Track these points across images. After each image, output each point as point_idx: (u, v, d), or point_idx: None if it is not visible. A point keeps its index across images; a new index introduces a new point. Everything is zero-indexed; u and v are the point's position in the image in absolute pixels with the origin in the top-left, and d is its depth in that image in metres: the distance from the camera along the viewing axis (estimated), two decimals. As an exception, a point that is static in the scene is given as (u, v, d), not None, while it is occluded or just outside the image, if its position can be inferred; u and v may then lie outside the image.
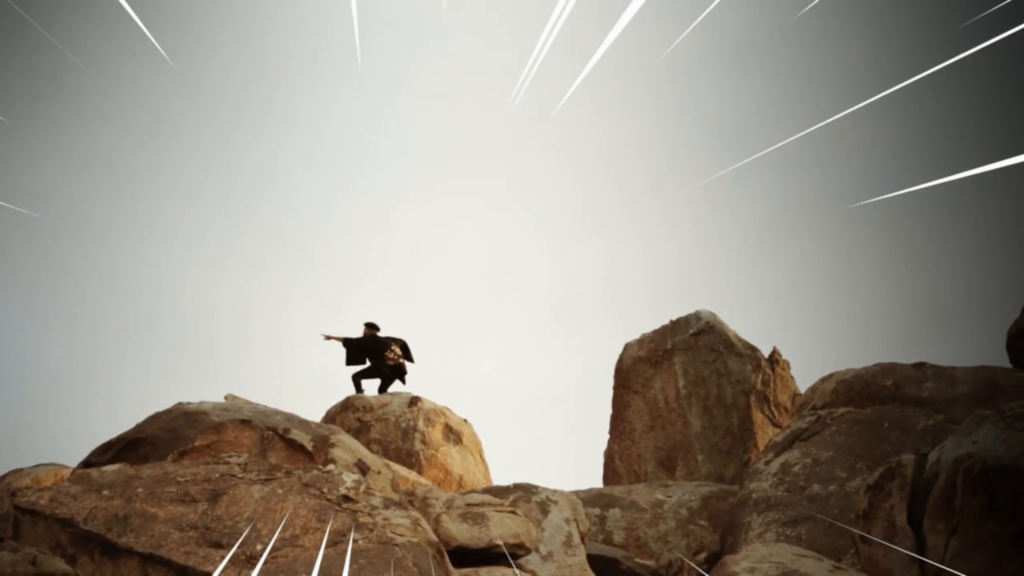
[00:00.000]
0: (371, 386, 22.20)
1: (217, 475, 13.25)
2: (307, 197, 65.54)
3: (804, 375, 22.97)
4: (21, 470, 14.36)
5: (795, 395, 21.22)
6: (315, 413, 20.88)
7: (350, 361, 22.24)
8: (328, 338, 22.47)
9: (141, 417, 16.34)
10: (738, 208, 63.08)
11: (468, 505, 14.41)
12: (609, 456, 22.24)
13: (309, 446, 15.94)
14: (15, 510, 12.62)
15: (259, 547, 11.91)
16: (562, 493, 16.83)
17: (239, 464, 13.66)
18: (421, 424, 20.17)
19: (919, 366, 18.06)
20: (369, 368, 22.08)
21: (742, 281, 57.56)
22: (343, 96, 65.86)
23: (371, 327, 22.49)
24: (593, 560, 16.28)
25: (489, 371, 54.87)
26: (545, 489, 16.80)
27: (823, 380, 19.28)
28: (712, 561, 15.73)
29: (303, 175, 65.91)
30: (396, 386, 22.10)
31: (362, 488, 13.28)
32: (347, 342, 22.31)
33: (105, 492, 12.71)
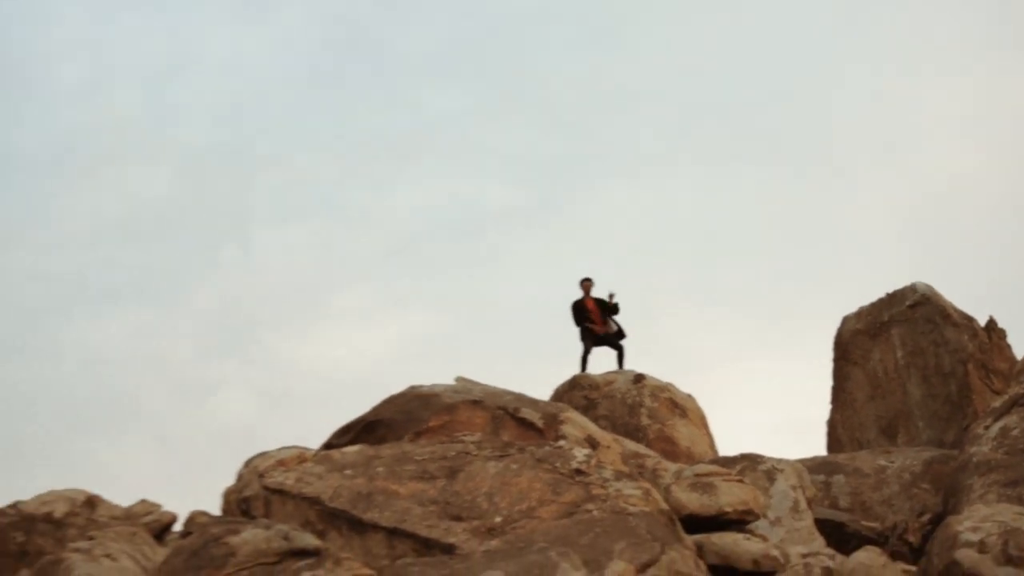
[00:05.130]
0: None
1: (453, 453, 13.23)
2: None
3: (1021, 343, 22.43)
4: (266, 453, 14.62)
5: (1013, 362, 20.83)
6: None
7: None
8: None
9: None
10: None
11: (696, 475, 14.14)
12: (832, 425, 22.00)
13: (539, 423, 15.72)
14: (264, 490, 12.86)
15: (498, 519, 11.90)
16: (787, 462, 16.63)
17: (473, 442, 13.60)
18: (647, 400, 20.02)
19: None
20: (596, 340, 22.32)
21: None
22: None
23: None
24: (820, 524, 16.11)
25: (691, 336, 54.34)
26: (771, 458, 16.58)
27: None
28: (935, 522, 15.43)
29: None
30: (609, 361, 22.28)
31: (593, 462, 13.13)
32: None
33: (348, 472, 12.83)
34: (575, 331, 22.41)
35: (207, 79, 70.26)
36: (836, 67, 65.63)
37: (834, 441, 21.73)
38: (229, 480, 14.69)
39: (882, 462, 18.73)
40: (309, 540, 10.73)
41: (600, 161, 66.57)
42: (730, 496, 13.75)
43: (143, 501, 16.54)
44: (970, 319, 20.87)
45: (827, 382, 22.26)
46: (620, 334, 22.27)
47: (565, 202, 64.32)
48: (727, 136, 65.97)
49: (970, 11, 64.79)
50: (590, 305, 22.27)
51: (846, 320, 22.09)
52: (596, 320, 22.21)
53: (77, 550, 12.46)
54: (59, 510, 15.99)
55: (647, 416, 19.81)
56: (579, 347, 22.28)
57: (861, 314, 21.82)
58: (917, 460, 18.58)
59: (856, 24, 66.63)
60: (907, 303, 21.02)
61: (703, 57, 69.30)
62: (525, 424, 15.77)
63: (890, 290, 21.67)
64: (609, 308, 22.39)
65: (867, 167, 62.66)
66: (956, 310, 20.86)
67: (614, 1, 69.72)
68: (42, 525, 15.77)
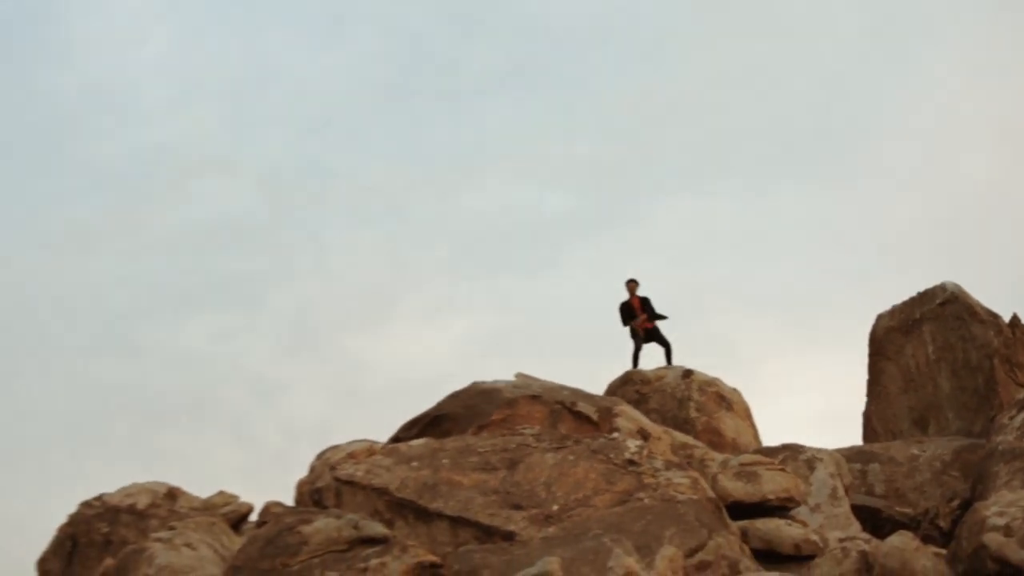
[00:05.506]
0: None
1: (514, 445, 13.30)
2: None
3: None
4: (337, 446, 14.66)
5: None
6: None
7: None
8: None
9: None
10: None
11: (741, 465, 14.26)
12: (867, 417, 21.74)
13: (594, 417, 15.78)
14: (336, 481, 12.95)
15: (555, 507, 11.97)
16: (826, 451, 16.63)
17: (533, 435, 13.65)
18: (695, 394, 19.92)
19: None
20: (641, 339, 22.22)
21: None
22: None
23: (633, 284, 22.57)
24: (857, 510, 16.08)
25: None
26: (810, 448, 16.57)
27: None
28: (964, 508, 15.38)
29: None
30: (655, 357, 22.12)
31: (645, 452, 13.16)
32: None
33: (414, 463, 12.90)
34: (625, 330, 22.33)
35: (285, 97, 70.70)
36: (870, 82, 65.20)
37: (870, 431, 21.58)
38: (302, 472, 14.75)
39: (914, 451, 18.62)
40: (377, 529, 10.80)
41: (652, 171, 66.68)
42: (773, 484, 13.86)
43: (221, 493, 16.70)
44: (995, 316, 20.71)
45: (863, 376, 22.12)
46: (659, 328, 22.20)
47: (619, 210, 64.26)
48: (770, 147, 65.84)
49: (998, 23, 64.18)
50: (636, 304, 22.27)
51: (880, 318, 21.93)
52: (640, 317, 22.15)
53: (158, 540, 12.62)
54: (142, 502, 16.24)
55: (695, 409, 19.70)
56: (630, 345, 22.20)
57: (894, 312, 21.68)
58: (947, 449, 18.45)
59: (890, 41, 66.28)
60: (937, 301, 20.86)
61: (747, 74, 69.19)
62: (581, 417, 15.81)
63: (921, 289, 21.51)
64: (651, 309, 22.32)
65: (899, 176, 62.26)
66: (982, 308, 20.71)
67: (665, 22, 69.74)
68: (126, 516, 15.95)
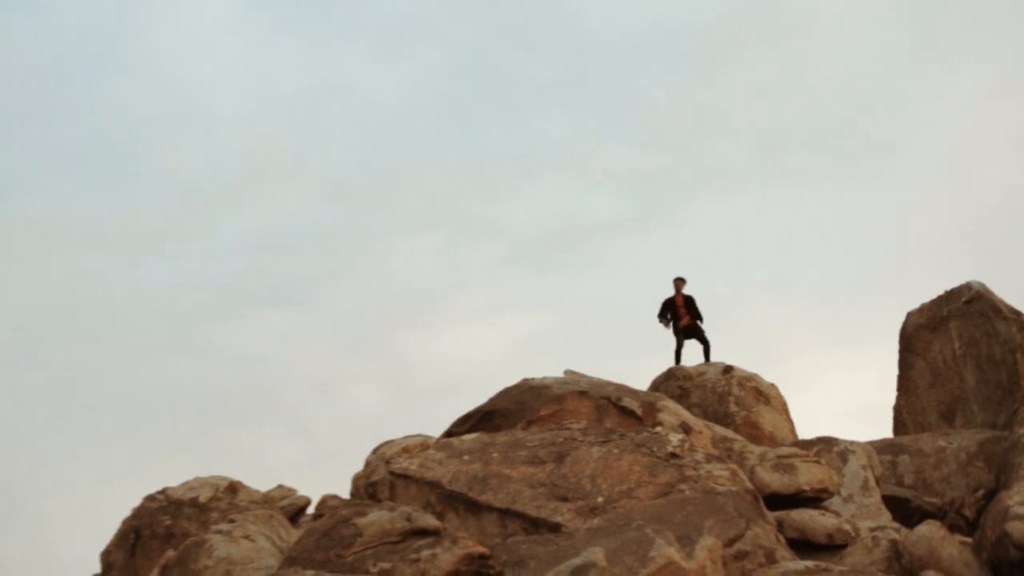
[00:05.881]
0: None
1: (561, 439, 13.20)
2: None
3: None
4: (392, 441, 14.65)
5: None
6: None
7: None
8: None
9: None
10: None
11: (778, 457, 14.21)
12: (897, 410, 21.66)
13: (639, 411, 15.78)
14: (390, 475, 12.92)
15: (600, 499, 11.87)
16: (858, 444, 16.53)
17: (579, 429, 13.55)
18: (735, 389, 19.90)
19: None
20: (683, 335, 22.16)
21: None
22: None
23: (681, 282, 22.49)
24: (887, 500, 16.05)
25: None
26: (844, 441, 16.49)
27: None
28: (989, 497, 15.37)
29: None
30: (698, 354, 22.03)
31: (687, 446, 13.05)
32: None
33: (465, 457, 12.86)
34: (664, 325, 22.31)
35: (348, 107, 71.27)
36: (900, 90, 65.07)
37: (899, 424, 21.53)
38: (358, 466, 14.76)
39: (941, 443, 18.62)
40: (429, 521, 10.75)
41: (694, 176, 66.80)
42: (808, 476, 13.82)
43: (280, 486, 16.76)
44: (1018, 313, 20.64)
45: (893, 371, 22.09)
46: (699, 326, 22.12)
47: (663, 213, 64.49)
48: (805, 153, 65.84)
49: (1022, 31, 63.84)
50: (679, 301, 22.22)
51: (909, 315, 21.87)
52: (682, 315, 22.10)
53: (219, 532, 12.55)
54: (203, 495, 16.28)
55: (735, 403, 19.72)
56: (673, 342, 22.15)
57: (923, 310, 21.63)
58: (972, 441, 18.45)
59: (917, 51, 66.07)
60: (963, 299, 20.78)
61: (783, 85, 69.18)
62: (626, 412, 15.80)
63: (948, 288, 21.47)
64: (695, 309, 22.25)
65: (930, 181, 62.09)
66: (1006, 305, 20.64)
67: (707, 36, 69.95)
68: (188, 509, 16.00)
